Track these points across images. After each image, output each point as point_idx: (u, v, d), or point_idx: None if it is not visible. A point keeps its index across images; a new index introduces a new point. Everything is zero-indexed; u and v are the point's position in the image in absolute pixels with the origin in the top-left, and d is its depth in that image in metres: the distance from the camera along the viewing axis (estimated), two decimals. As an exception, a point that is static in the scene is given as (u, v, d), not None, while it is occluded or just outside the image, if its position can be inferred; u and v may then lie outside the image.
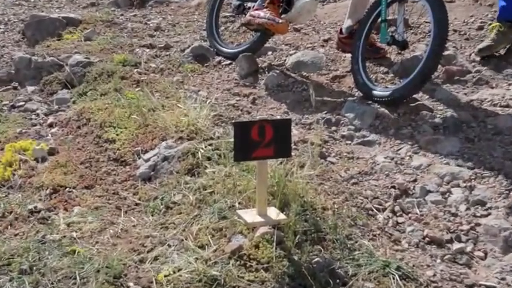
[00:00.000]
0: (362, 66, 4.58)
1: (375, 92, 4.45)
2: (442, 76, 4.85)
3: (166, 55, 5.47)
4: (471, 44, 5.36)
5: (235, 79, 5.01)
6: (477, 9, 6.02)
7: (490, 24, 5.23)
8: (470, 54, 5.18)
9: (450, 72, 4.88)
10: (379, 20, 4.58)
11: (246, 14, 5.16)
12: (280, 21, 4.79)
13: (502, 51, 5.08)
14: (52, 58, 5.26)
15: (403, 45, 4.56)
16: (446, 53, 4.83)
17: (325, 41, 5.62)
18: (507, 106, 4.41)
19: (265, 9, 4.88)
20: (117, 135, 4.08)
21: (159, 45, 5.66)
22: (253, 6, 5.07)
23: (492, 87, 4.71)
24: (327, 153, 3.89)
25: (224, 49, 5.47)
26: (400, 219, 3.32)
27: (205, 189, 3.25)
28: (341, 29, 5.25)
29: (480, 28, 5.63)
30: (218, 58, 5.43)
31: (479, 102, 4.50)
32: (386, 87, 4.59)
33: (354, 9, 5.14)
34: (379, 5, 4.55)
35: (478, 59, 5.11)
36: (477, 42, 5.36)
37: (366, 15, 4.71)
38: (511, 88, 4.65)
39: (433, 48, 4.24)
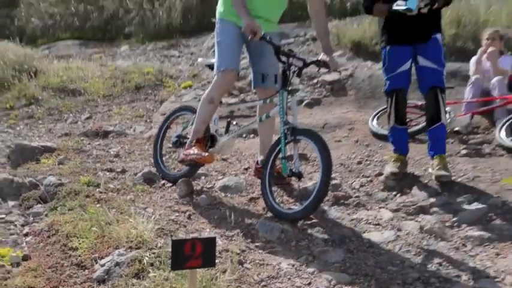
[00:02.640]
0: (269, 191, 4.61)
1: (280, 212, 4.49)
2: (331, 200, 4.94)
3: (122, 178, 5.48)
4: (353, 175, 5.53)
5: (176, 198, 5.03)
6: (357, 147, 6.24)
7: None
8: (352, 183, 5.33)
9: (337, 197, 5.00)
10: (280, 155, 4.64)
11: (183, 147, 5.23)
12: (206, 154, 4.84)
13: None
14: (30, 179, 5.21)
15: (299, 176, 4.60)
16: (333, 182, 4.99)
17: (246, 169, 5.73)
18: (378, 224, 4.56)
19: (193, 147, 4.95)
20: (80, 244, 4.02)
21: (117, 170, 5.67)
22: (185, 145, 5.18)
23: (367, 209, 4.85)
24: (243, 260, 3.88)
25: (167, 174, 5.45)
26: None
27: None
28: (257, 161, 5.32)
29: (359, 163, 5.82)
30: (163, 181, 5.43)
31: (358, 221, 4.63)
32: (290, 208, 4.65)
33: (262, 147, 5.22)
34: (279, 143, 4.61)
35: (357, 186, 5.27)
36: (358, 173, 5.54)
37: (270, 151, 4.78)
38: (381, 211, 4.80)
39: (323, 179, 4.30)
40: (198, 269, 3.04)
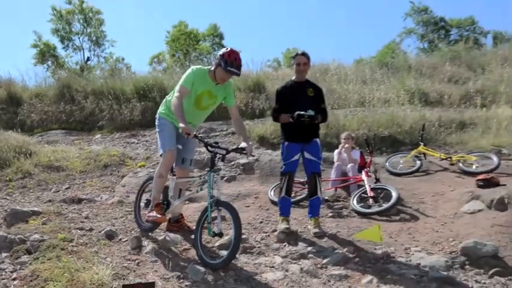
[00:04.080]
0: (200, 245, 4.55)
1: (207, 261, 4.42)
2: (241, 249, 4.83)
3: (90, 234, 5.24)
4: (256, 231, 5.55)
5: (128, 250, 4.86)
6: (260, 211, 6.31)
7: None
8: (255, 237, 5.34)
9: (245, 247, 4.93)
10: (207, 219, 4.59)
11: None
12: (160, 216, 4.91)
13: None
14: (20, 236, 4.93)
15: (220, 235, 4.57)
16: (243, 236, 4.96)
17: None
18: (272, 267, 4.56)
19: (153, 211, 4.94)
20: (55, 285, 3.83)
21: (86, 228, 5.43)
22: (148, 209, 5.12)
23: (266, 256, 4.85)
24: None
25: (142, 226, 5.33)
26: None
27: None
28: (169, 219, 5.42)
29: (261, 222, 5.87)
30: (120, 237, 5.22)
31: (259, 265, 4.61)
32: (215, 258, 4.55)
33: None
34: (207, 211, 4.56)
35: (259, 239, 5.27)
36: (260, 230, 5.56)
37: (200, 217, 4.68)
38: (275, 257, 4.81)
39: (235, 236, 4.30)
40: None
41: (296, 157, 5.39)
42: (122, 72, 17.34)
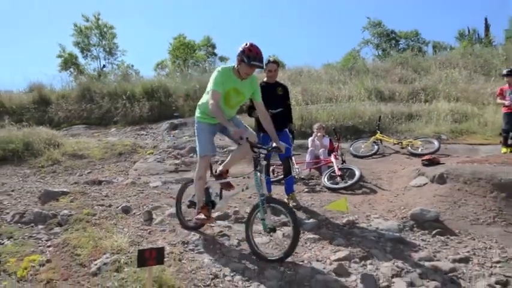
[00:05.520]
0: (254, 242, 3.94)
1: (262, 255, 3.87)
2: (233, 219, 4.81)
3: (109, 209, 5.18)
4: (246, 205, 5.48)
5: (142, 222, 4.80)
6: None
7: None
8: (246, 209, 5.27)
9: (237, 218, 4.87)
10: (259, 217, 3.93)
11: (193, 206, 4.38)
12: (207, 217, 4.14)
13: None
14: (52, 211, 4.87)
15: (274, 230, 3.91)
16: (235, 209, 4.85)
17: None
18: (260, 233, 4.41)
19: (200, 213, 4.15)
20: (82, 251, 3.79)
21: (106, 205, 5.37)
22: (196, 212, 4.26)
23: (254, 225, 4.79)
24: (182, 258, 3.78)
25: (186, 225, 4.54)
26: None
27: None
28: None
29: (250, 197, 5.77)
30: (134, 211, 5.12)
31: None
32: (269, 254, 3.92)
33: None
34: (257, 208, 3.92)
35: (248, 211, 5.18)
36: (249, 203, 5.48)
37: (250, 213, 4.04)
38: (259, 224, 4.75)
39: (294, 230, 3.67)
40: (153, 266, 2.96)
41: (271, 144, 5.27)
42: (132, 76, 17.27)
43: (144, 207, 5.30)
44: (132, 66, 28.36)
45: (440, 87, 12.11)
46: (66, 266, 3.59)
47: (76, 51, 27.39)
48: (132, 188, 6.34)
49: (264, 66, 5.17)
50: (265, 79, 5.43)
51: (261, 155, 3.87)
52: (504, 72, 7.65)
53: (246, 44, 3.94)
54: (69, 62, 26.95)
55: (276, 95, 5.30)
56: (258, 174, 3.86)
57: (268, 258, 3.78)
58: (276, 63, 5.36)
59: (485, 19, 29.19)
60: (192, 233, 4.40)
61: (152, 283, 2.96)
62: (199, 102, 4.28)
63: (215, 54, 33.36)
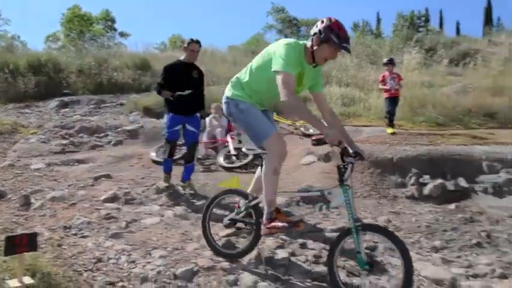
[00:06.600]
0: (337, 274, 2.85)
1: None
2: (123, 200, 4.63)
3: None
4: (138, 185, 5.31)
5: (17, 207, 4.37)
6: (142, 169, 6.02)
7: None
8: (137, 190, 5.15)
9: (127, 199, 4.69)
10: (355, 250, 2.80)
11: (232, 227, 3.56)
12: (287, 223, 3.04)
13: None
14: None
15: (371, 266, 2.84)
16: (125, 190, 4.68)
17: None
18: (151, 214, 4.38)
19: (276, 220, 3.06)
20: None
21: None
22: (263, 221, 3.13)
23: (145, 205, 4.66)
24: (62, 244, 3.50)
25: (219, 251, 3.47)
26: None
27: None
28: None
29: (143, 178, 5.62)
30: (9, 195, 4.64)
31: (139, 213, 4.39)
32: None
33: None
34: (344, 237, 2.87)
35: (140, 192, 5.07)
36: (141, 184, 5.33)
37: (334, 245, 2.91)
38: (152, 205, 4.67)
39: (406, 274, 2.56)
40: (25, 253, 2.70)
41: (178, 127, 5.12)
42: (18, 48, 15.58)
43: (22, 191, 4.83)
44: (19, 37, 25.37)
45: (334, 73, 12.96)
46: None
47: None
48: (10, 171, 5.72)
49: (186, 45, 5.09)
50: (182, 57, 5.19)
51: (349, 164, 2.92)
52: (384, 61, 8.48)
53: (331, 20, 2.87)
54: None
55: (190, 77, 5.13)
56: (350, 191, 2.86)
57: None
58: (199, 44, 5.15)
59: (377, 13, 31.96)
60: (76, 216, 4.13)
61: (24, 272, 2.71)
62: (239, 78, 3.18)
63: (115, 29, 31.30)
